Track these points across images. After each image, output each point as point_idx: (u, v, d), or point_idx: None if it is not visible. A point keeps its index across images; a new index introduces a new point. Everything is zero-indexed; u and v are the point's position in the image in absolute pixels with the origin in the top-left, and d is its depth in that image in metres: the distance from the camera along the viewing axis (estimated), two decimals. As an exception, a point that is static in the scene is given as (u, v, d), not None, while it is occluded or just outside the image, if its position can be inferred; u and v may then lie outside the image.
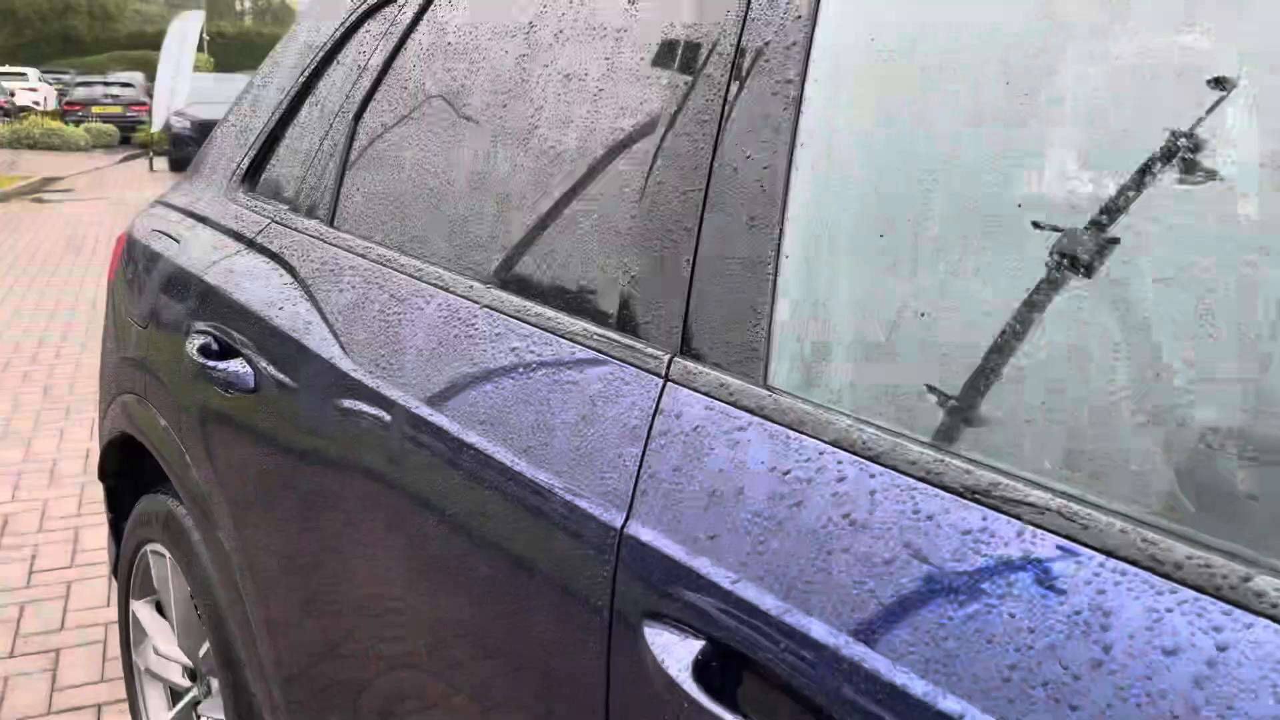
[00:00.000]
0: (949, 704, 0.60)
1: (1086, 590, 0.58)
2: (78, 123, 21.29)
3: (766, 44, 0.87)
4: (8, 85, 25.98)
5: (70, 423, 4.25)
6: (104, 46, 46.37)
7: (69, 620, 2.73)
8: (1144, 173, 0.64)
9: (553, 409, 0.93)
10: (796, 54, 0.85)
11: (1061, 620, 0.58)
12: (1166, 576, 0.57)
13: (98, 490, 3.46)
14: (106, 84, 24.67)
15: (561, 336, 0.97)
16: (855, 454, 0.72)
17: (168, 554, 1.76)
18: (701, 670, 0.73)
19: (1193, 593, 0.55)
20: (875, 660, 0.64)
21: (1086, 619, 0.58)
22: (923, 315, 0.74)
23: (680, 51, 0.95)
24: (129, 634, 2.02)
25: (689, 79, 0.93)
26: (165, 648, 1.87)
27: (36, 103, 27.41)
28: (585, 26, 1.09)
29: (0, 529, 3.24)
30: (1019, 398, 0.68)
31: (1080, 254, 0.66)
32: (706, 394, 0.83)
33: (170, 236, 1.76)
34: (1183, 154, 0.63)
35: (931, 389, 0.72)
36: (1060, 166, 0.70)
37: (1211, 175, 0.61)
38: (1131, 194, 0.65)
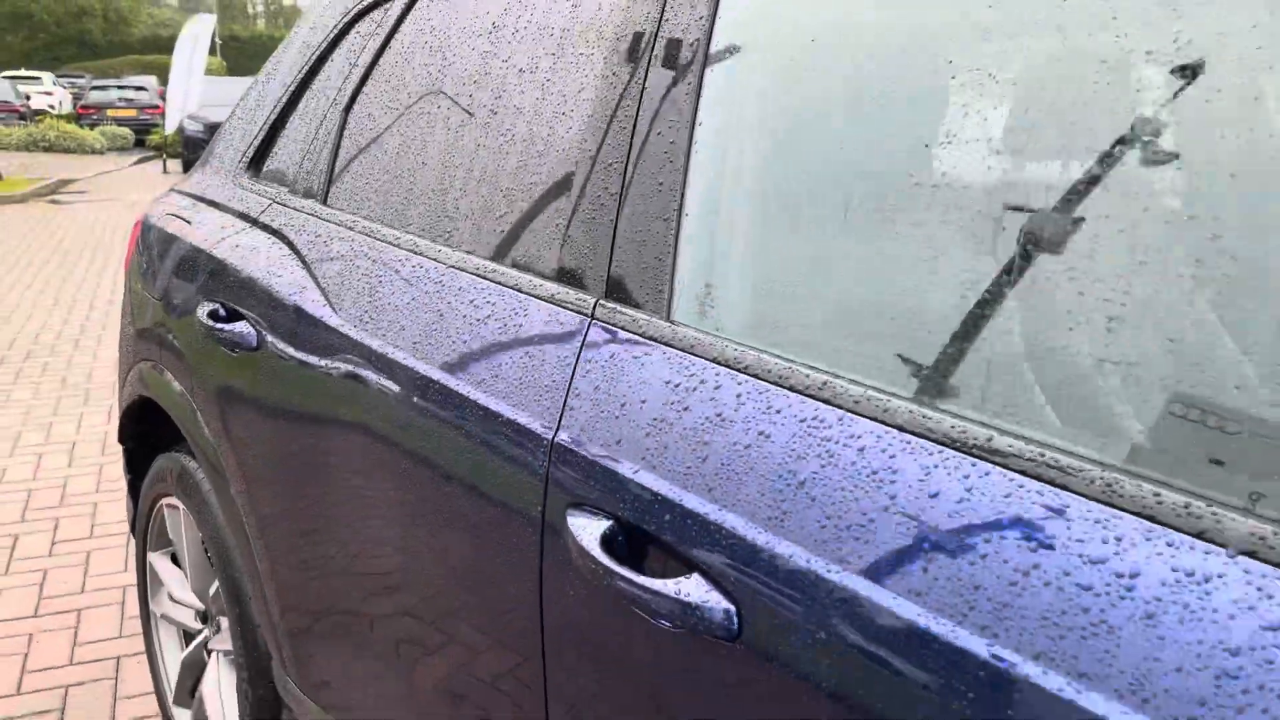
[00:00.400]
0: (784, 548, 0.78)
1: (882, 456, 0.76)
2: (92, 126, 21.61)
3: (676, 43, 1.05)
4: (23, 89, 26.33)
5: (89, 409, 4.45)
6: (118, 50, 46.83)
7: (89, 584, 2.92)
8: (965, 145, 0.82)
9: (503, 348, 1.12)
10: (698, 51, 1.03)
11: (862, 477, 0.76)
12: (936, 441, 0.74)
13: (115, 469, 3.67)
14: (121, 87, 24.99)
15: (512, 289, 1.16)
16: (729, 368, 0.90)
17: (181, 506, 1.95)
18: (607, 541, 0.91)
19: (953, 452, 0.73)
20: (734, 520, 0.82)
21: (880, 475, 0.75)
22: (785, 263, 0.92)
23: (610, 49, 1.14)
24: (145, 585, 2.21)
25: (615, 71, 1.11)
26: (179, 594, 2.06)
27: (52, 106, 27.78)
28: (536, 28, 1.27)
29: (24, 504, 3.45)
30: (844, 318, 0.86)
31: (886, 211, 0.84)
32: (622, 328, 1.01)
33: (182, 218, 1.95)
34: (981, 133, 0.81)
35: (786, 317, 0.90)
36: (904, 143, 0.88)
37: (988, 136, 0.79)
38: (951, 166, 0.83)
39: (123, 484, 2.95)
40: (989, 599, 0.67)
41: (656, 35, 1.07)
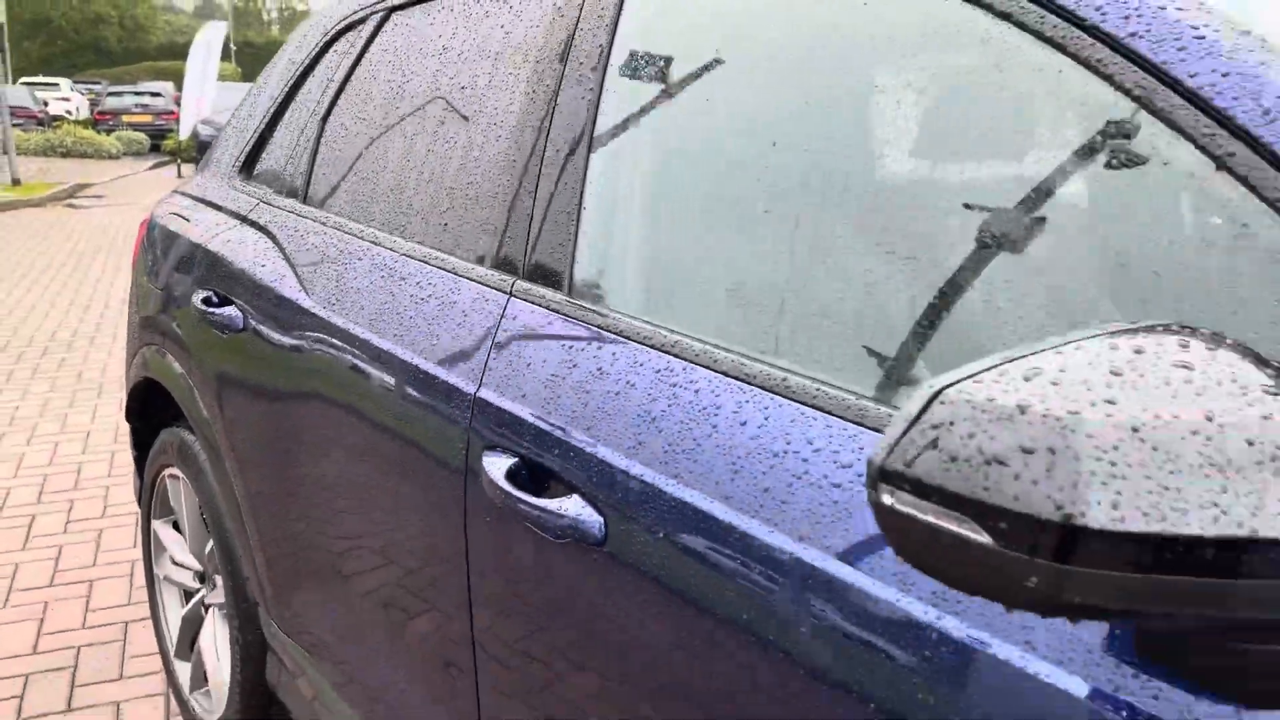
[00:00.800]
0: (637, 470, 0.99)
1: (710, 396, 0.97)
2: (109, 131, 21.97)
3: (580, 63, 1.26)
4: (41, 95, 26.75)
5: (102, 400, 4.68)
6: (134, 57, 47.40)
7: (100, 559, 3.15)
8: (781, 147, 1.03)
9: (439, 322, 1.32)
10: (597, 69, 1.23)
11: (695, 412, 0.97)
12: (748, 384, 0.95)
13: (126, 456, 3.89)
14: (137, 93, 25.38)
15: (449, 272, 1.36)
16: (609, 332, 1.11)
17: (181, 475, 2.16)
18: (512, 475, 1.12)
19: (758, 390, 0.94)
20: (604, 451, 1.03)
21: (707, 410, 0.96)
22: (654, 250, 1.13)
23: (530, 71, 1.34)
24: (149, 551, 2.43)
25: (534, 90, 1.32)
26: (180, 556, 2.28)
27: (69, 112, 28.18)
28: (476, 50, 1.48)
29: (40, 487, 3.68)
30: (693, 292, 1.07)
31: (722, 206, 1.05)
32: (531, 302, 1.22)
33: (182, 217, 2.17)
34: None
35: (653, 292, 1.11)
36: (741, 154, 1.09)
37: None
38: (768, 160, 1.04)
39: (133, 469, 3.17)
40: (777, 499, 0.87)
41: (566, 59, 1.28)
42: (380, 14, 1.80)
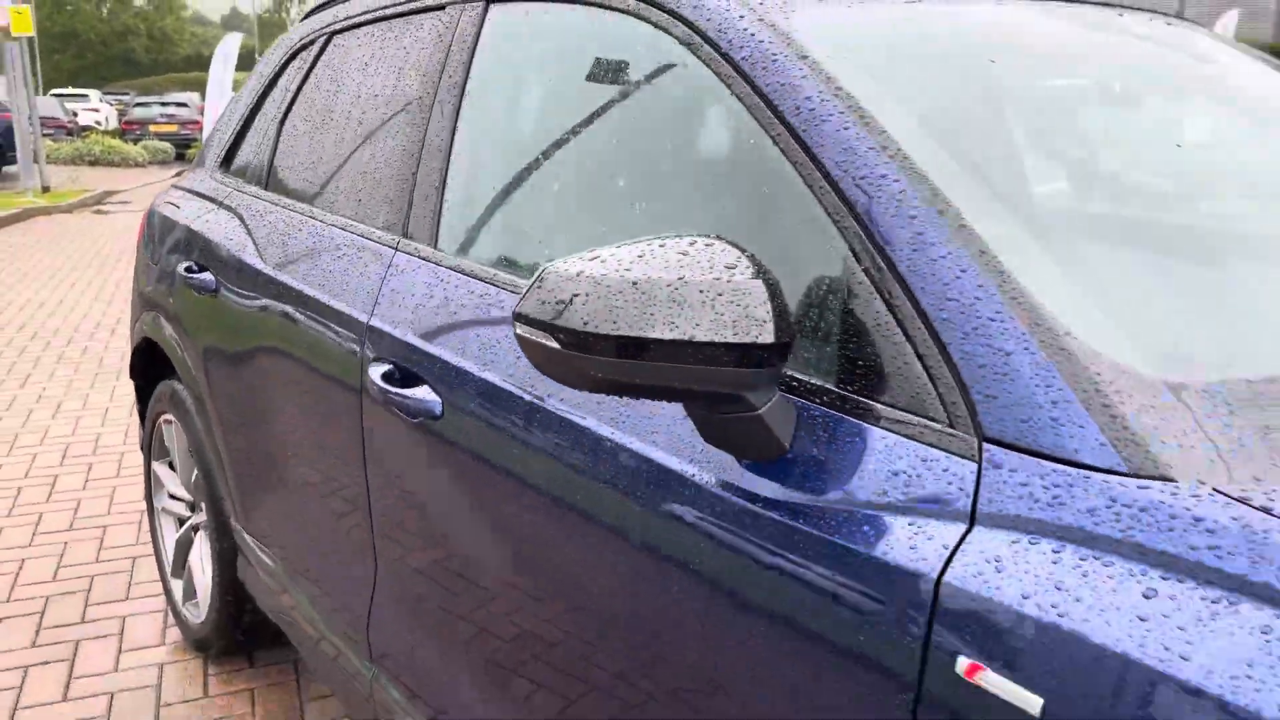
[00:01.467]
0: (452, 360, 1.40)
1: (480, 301, 1.38)
2: (135, 140, 22.68)
3: (450, 81, 1.68)
4: (71, 106, 27.55)
5: (119, 383, 5.15)
6: (162, 68, 48.45)
7: (113, 510, 3.60)
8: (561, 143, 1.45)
9: (350, 273, 1.75)
10: (458, 83, 1.66)
11: (480, 311, 1.38)
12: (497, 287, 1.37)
13: (137, 426, 4.34)
14: (163, 104, 26.12)
15: (358, 235, 1.79)
16: (459, 272, 1.52)
17: (174, 419, 2.60)
18: (387, 377, 1.54)
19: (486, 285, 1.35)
20: (437, 350, 1.45)
21: (479, 304, 1.38)
22: (490, 213, 1.55)
23: (417, 84, 1.77)
24: (150, 488, 2.87)
25: (420, 97, 1.75)
26: (174, 490, 2.72)
27: (98, 122, 28.99)
28: (387, 67, 1.91)
29: (63, 453, 4.14)
30: (492, 238, 1.49)
31: (512, 182, 1.47)
32: (409, 254, 1.64)
33: (175, 205, 2.62)
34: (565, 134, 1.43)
35: (479, 243, 1.53)
36: (528, 146, 1.51)
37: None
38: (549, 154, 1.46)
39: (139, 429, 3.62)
40: (511, 357, 1.29)
41: (440, 75, 1.71)
42: (325, 36, 2.23)
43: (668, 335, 0.91)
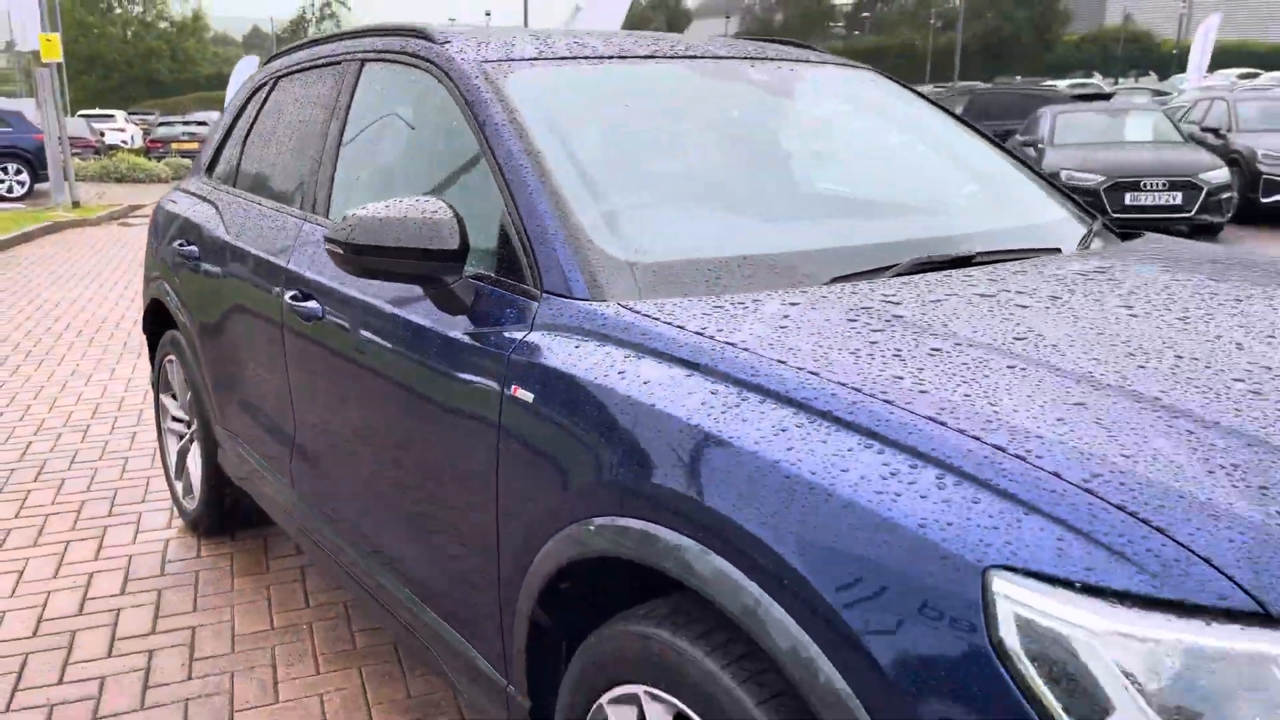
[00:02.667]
0: (315, 278, 2.33)
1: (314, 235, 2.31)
2: (160, 158, 23.86)
3: (340, 111, 2.61)
4: (98, 126, 28.85)
5: (140, 360, 6.12)
6: (185, 88, 49.98)
7: (134, 445, 4.55)
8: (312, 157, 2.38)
9: (278, 238, 2.67)
10: (343, 113, 2.59)
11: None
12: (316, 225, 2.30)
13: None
14: (185, 123, 27.36)
15: (285, 214, 2.72)
16: (323, 228, 2.44)
17: (175, 359, 3.55)
18: (295, 298, 2.46)
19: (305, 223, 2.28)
20: (314, 276, 2.37)
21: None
22: (352, 193, 2.48)
23: (325, 112, 2.70)
24: (159, 414, 3.82)
25: (325, 120, 2.67)
26: (175, 413, 3.66)
27: (124, 141, 30.27)
28: (308, 102, 2.84)
29: (94, 409, 5.11)
30: (347, 204, 2.43)
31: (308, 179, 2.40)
32: (312, 224, 2.56)
33: (173, 200, 3.57)
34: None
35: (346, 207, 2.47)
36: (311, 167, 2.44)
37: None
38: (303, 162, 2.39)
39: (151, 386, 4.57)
40: (329, 267, 2.21)
41: (335, 103, 2.64)
42: (274, 79, 3.17)
43: (399, 244, 1.82)
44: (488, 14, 60.07)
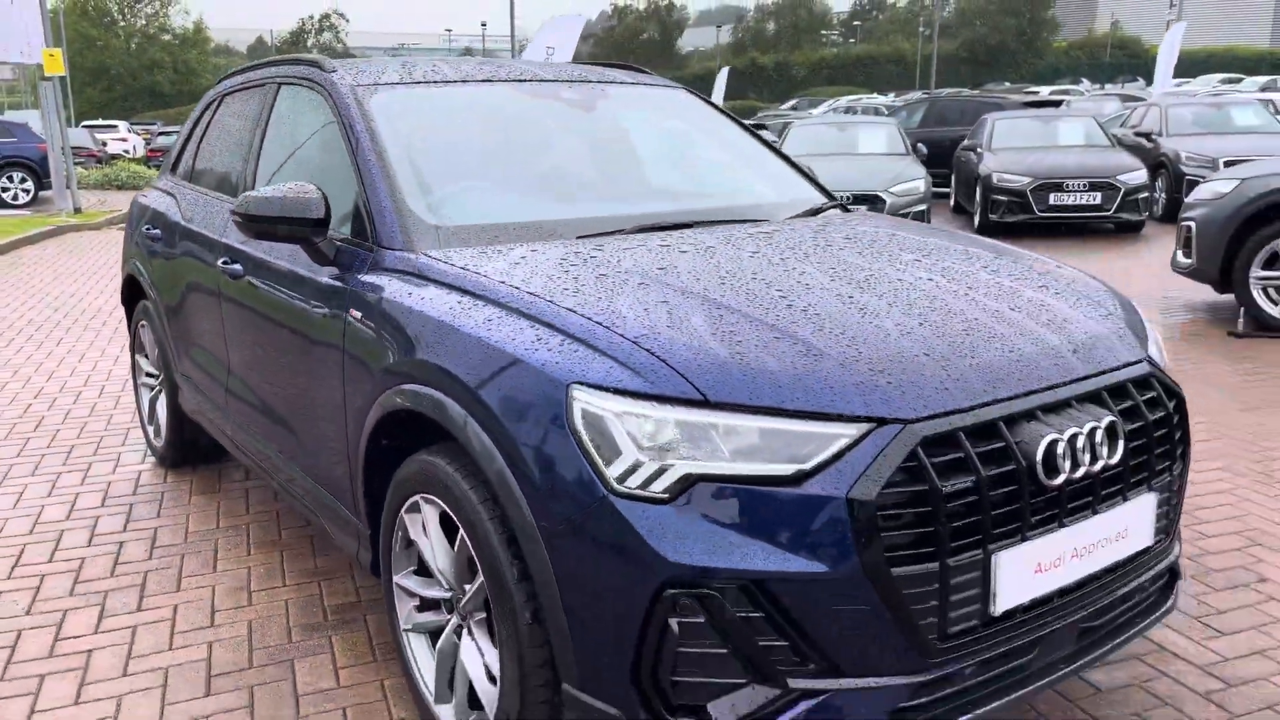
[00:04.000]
0: (245, 247, 3.15)
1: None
2: (160, 166, 24.76)
3: (260, 123, 3.43)
4: (101, 136, 29.77)
5: (129, 341, 6.94)
6: (186, 99, 50.94)
7: (119, 405, 5.37)
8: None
9: (215, 218, 3.49)
10: (264, 124, 3.41)
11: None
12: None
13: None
14: (184, 132, 28.15)
15: (226, 202, 3.53)
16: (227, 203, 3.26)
17: (146, 325, 4.37)
18: (224, 261, 3.28)
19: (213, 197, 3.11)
20: (238, 244, 3.19)
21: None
22: (268, 183, 3.31)
23: (251, 124, 3.52)
24: (134, 371, 4.64)
25: (251, 130, 3.49)
26: (148, 369, 4.49)
27: (126, 151, 31.20)
28: (241, 116, 3.66)
29: (84, 380, 5.93)
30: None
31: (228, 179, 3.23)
32: (198, 189, 3.38)
33: (144, 195, 4.40)
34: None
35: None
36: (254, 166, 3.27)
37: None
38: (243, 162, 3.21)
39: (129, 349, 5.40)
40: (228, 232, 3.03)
41: (257, 121, 3.46)
42: (220, 96, 4.00)
43: (280, 214, 2.63)
44: (483, 24, 61.00)
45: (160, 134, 28.93)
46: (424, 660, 2.43)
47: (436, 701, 2.38)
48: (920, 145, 12.81)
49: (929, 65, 59.17)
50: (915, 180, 10.64)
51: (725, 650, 1.84)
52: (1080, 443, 1.99)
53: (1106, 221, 11.58)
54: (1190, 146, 12.79)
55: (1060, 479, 1.95)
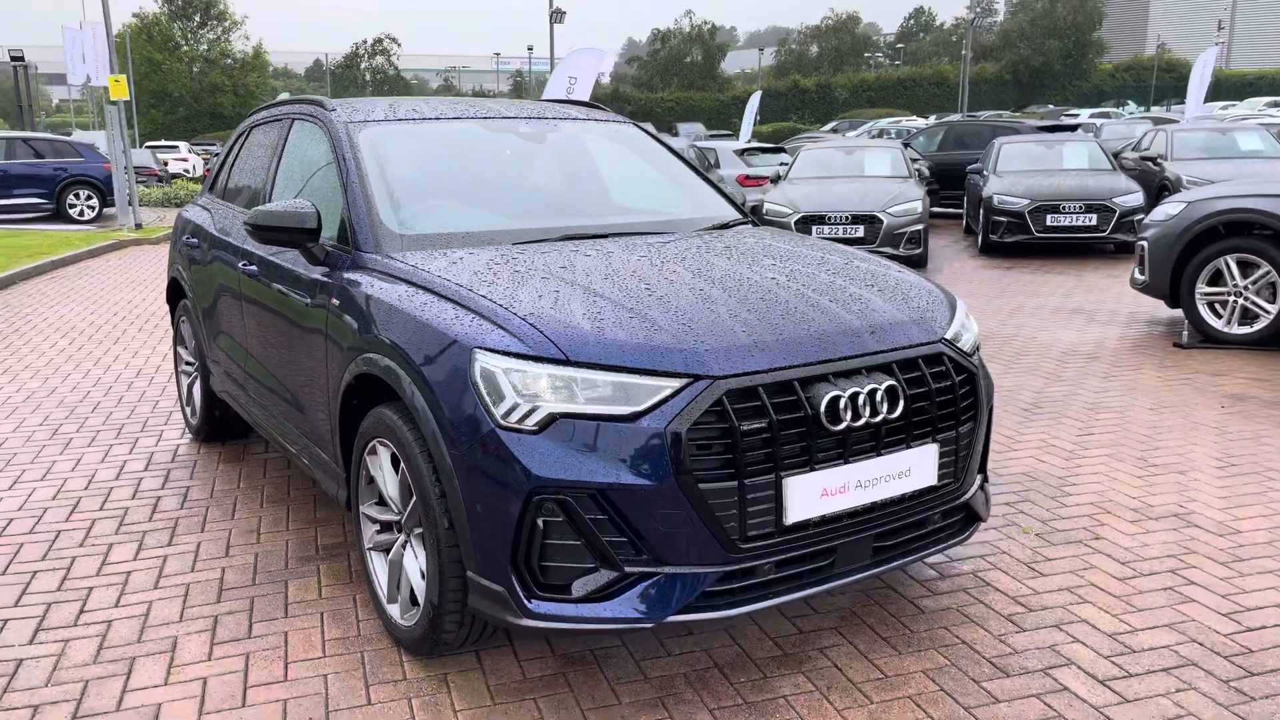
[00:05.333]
0: (259, 250, 3.90)
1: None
2: (215, 185, 25.99)
3: (277, 150, 4.19)
4: (162, 156, 31.26)
5: (176, 341, 7.78)
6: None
7: (164, 394, 6.16)
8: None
9: (238, 228, 4.25)
10: (279, 151, 4.16)
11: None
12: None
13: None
14: (240, 153, 29.45)
15: (245, 211, 4.29)
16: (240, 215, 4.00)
17: (185, 319, 5.15)
18: (244, 265, 4.03)
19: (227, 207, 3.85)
20: (257, 249, 3.94)
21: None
22: (281, 193, 4.07)
23: (270, 151, 4.27)
24: (177, 360, 5.43)
25: (270, 156, 4.25)
26: (185, 357, 5.27)
27: (186, 170, 32.68)
28: (264, 145, 4.42)
29: (137, 372, 6.75)
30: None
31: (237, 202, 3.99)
32: (228, 205, 4.12)
33: (187, 210, 5.19)
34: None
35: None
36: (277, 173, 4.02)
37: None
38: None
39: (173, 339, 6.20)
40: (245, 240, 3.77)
41: (275, 149, 4.22)
42: (250, 128, 4.78)
43: (280, 225, 3.37)
44: (529, 48, 62.56)
45: (218, 154, 30.29)
46: (380, 570, 3.13)
47: (388, 601, 3.07)
48: (922, 168, 13.36)
49: (973, 88, 59.32)
50: (913, 201, 11.20)
51: (579, 543, 2.51)
52: (861, 400, 2.63)
53: (1105, 242, 12.02)
54: (1193, 171, 13.20)
55: (841, 426, 2.60)
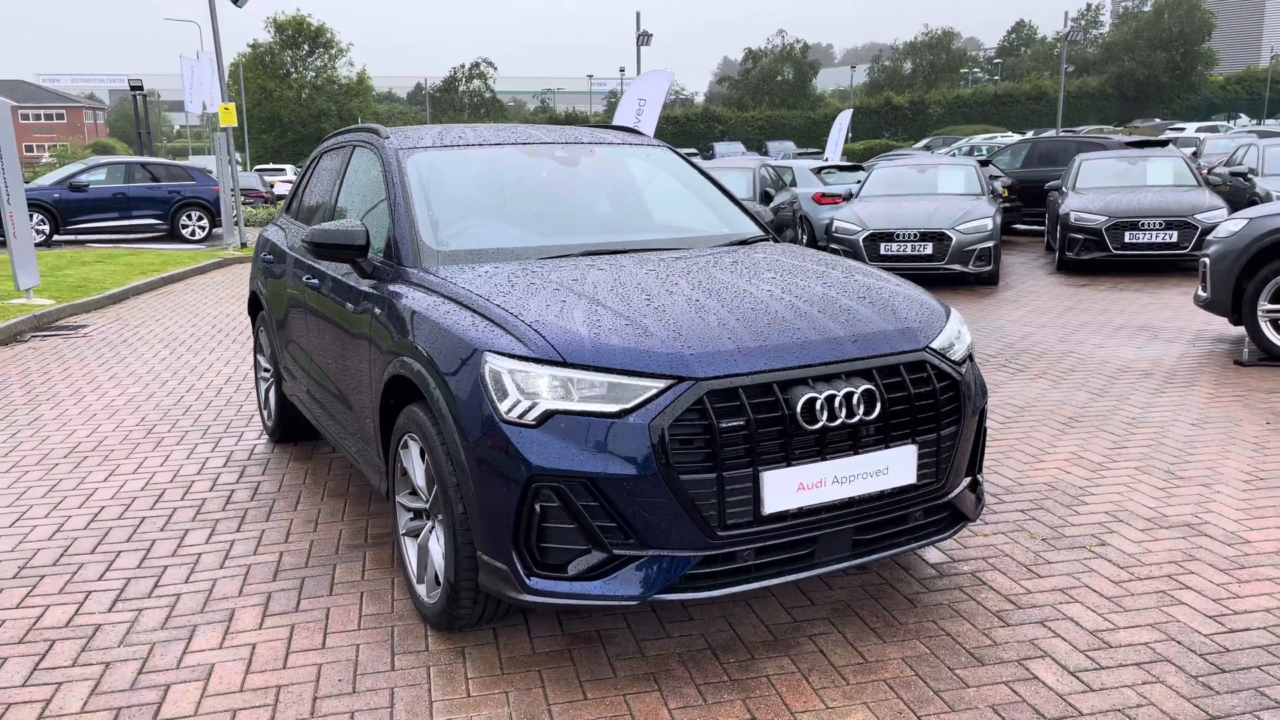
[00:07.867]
0: (321, 265, 4.30)
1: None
2: (316, 206, 27.22)
3: (342, 172, 4.60)
4: (269, 179, 32.83)
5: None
6: (349, 143, 55.08)
7: (248, 400, 6.67)
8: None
9: (291, 235, 4.67)
10: (342, 173, 4.57)
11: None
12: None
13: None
14: (342, 175, 30.77)
15: (308, 226, 4.72)
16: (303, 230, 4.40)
17: (263, 329, 5.61)
18: (308, 278, 4.44)
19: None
20: (320, 264, 4.34)
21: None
22: (346, 213, 4.47)
23: (333, 175, 4.69)
24: (257, 364, 5.90)
25: (333, 180, 4.67)
26: (263, 364, 5.73)
27: (291, 192, 34.20)
28: (330, 170, 4.85)
29: (226, 379, 7.30)
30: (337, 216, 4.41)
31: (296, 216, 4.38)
32: (300, 224, 4.52)
33: (267, 231, 5.66)
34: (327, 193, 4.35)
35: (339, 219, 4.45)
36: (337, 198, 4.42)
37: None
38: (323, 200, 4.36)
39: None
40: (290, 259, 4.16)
41: (339, 173, 4.63)
42: (320, 154, 5.21)
43: (333, 242, 3.75)
44: (621, 69, 63.43)
45: (320, 176, 31.79)
46: (411, 553, 3.45)
47: (417, 582, 3.39)
48: (997, 185, 13.30)
49: (1072, 102, 57.85)
50: (983, 219, 11.19)
51: (573, 526, 2.78)
52: (838, 402, 2.84)
53: (1186, 259, 11.78)
54: (1282, 186, 12.83)
55: (818, 425, 2.82)
